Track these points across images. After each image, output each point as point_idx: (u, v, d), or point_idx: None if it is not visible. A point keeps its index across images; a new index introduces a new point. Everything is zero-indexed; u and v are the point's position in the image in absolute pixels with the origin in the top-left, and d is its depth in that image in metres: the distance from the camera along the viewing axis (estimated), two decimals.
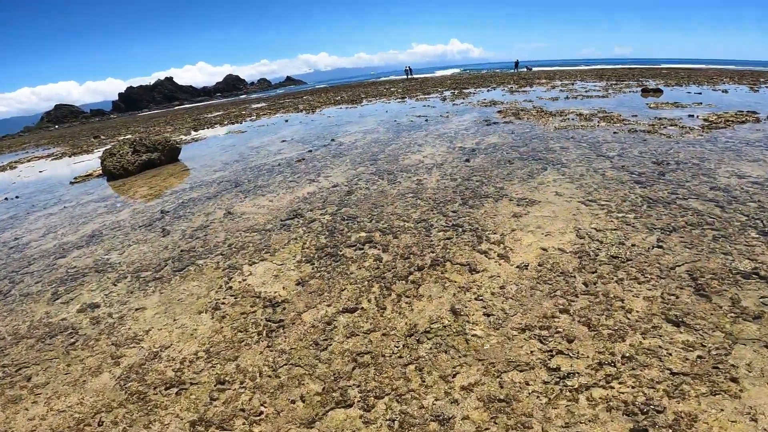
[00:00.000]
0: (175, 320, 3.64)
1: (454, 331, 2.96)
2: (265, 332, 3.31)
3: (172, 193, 7.56)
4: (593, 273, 3.47)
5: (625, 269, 3.49)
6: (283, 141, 11.09)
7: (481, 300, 3.29)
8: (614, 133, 7.85)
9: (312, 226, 5.01)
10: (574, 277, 3.45)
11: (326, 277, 3.88)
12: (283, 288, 3.85)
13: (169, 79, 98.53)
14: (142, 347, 3.33)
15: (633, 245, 3.80)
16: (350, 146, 9.15)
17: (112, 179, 9.76)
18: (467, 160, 6.79)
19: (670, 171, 5.47)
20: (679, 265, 3.52)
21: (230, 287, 4.00)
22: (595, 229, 4.10)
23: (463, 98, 16.60)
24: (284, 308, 3.57)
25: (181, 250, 4.91)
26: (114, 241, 5.62)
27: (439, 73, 49.13)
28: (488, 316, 3.12)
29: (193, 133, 17.43)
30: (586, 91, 15.53)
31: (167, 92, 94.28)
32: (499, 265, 3.70)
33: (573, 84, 19.15)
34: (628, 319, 2.91)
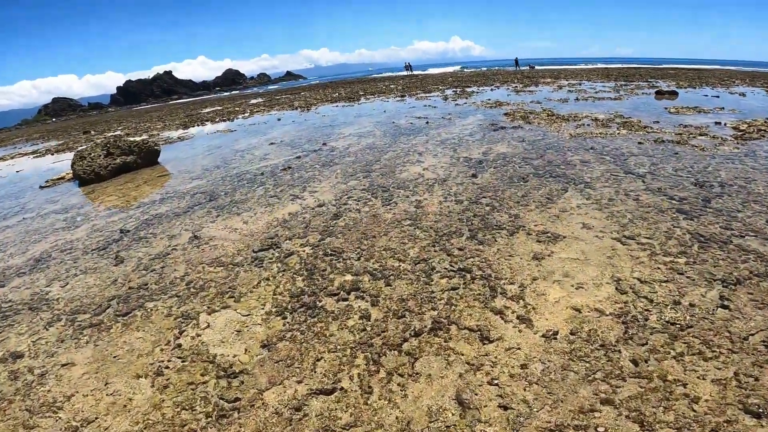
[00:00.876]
0: (106, 384, 2.81)
1: None
2: (215, 415, 2.46)
3: (139, 205, 6.65)
4: (643, 345, 2.62)
5: (685, 340, 2.64)
6: (272, 143, 10.16)
7: (496, 385, 2.44)
8: (639, 143, 6.94)
9: (289, 262, 4.13)
10: (619, 351, 2.60)
11: (299, 340, 3.01)
12: (245, 351, 2.98)
13: (168, 73, 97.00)
14: (59, 418, 2.58)
15: (691, 304, 2.94)
16: (343, 152, 8.24)
17: (84, 184, 8.85)
18: (474, 176, 5.89)
19: (715, 196, 4.58)
20: (753, 334, 2.67)
21: (180, 344, 3.13)
22: (639, 279, 3.22)
23: (466, 98, 15.65)
24: (243, 382, 2.71)
25: (131, 287, 4.03)
26: (60, 268, 4.74)
27: (439, 70, 47.96)
28: (505, 409, 2.27)
29: (181, 131, 16.47)
30: (595, 92, 14.59)
31: (166, 86, 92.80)
32: (520, 331, 2.82)
33: (580, 84, 18.19)
34: (695, 411, 2.12)
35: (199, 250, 4.62)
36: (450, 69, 49.80)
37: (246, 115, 18.90)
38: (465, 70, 44.15)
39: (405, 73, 42.20)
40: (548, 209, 4.60)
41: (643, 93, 13.97)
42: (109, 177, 9.03)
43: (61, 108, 78.89)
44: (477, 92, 17.39)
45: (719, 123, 8.29)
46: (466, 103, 13.95)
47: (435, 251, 3.91)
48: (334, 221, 4.95)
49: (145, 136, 16.00)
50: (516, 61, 39.59)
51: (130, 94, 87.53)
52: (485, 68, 48.68)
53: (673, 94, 13.38)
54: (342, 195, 5.78)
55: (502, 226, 4.27)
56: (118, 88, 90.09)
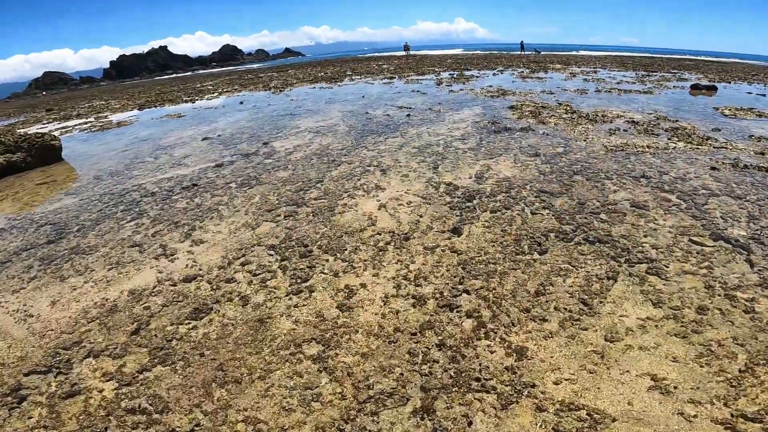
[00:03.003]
0: None
1: None
2: None
3: None
4: None
5: None
6: (205, 139, 7.62)
7: None
8: (711, 169, 4.48)
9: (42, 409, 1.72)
10: None
11: None
12: None
13: (164, 48, 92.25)
14: None
15: None
16: (281, 160, 5.75)
17: None
18: (456, 231, 3.44)
19: None
20: None
21: None
22: None
23: (464, 83, 12.96)
24: None
25: None
26: None
27: (441, 52, 44.38)
28: None
29: (136, 111, 13.85)
30: (617, 83, 11.93)
31: (161, 61, 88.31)
32: None
33: (596, 72, 15.43)
34: None
35: None
36: (452, 51, 46.17)
37: (214, 95, 16.18)
38: (467, 52, 40.68)
39: (403, 53, 38.79)
40: (582, 334, 2.20)
41: (674, 87, 11.33)
42: None
43: (52, 81, 74.82)
44: (477, 77, 14.65)
45: None
46: (462, 89, 11.30)
47: None
48: (190, 324, 2.57)
49: (78, 121, 13.42)
50: (521, 44, 36.24)
51: (123, 68, 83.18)
52: (488, 52, 44.88)
53: (711, 89, 10.79)
54: (235, 257, 3.37)
55: (489, 386, 1.88)
56: (111, 62, 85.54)
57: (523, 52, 33.01)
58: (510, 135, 6.09)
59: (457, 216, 3.64)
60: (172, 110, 12.74)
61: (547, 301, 2.58)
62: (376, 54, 46.88)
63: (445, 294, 2.72)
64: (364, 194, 4.25)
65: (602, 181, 4.24)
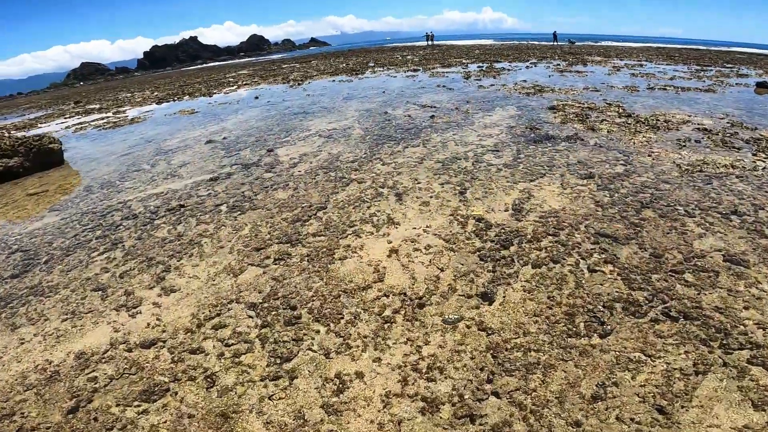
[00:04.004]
0: None
1: None
2: None
3: None
4: None
5: None
6: (209, 142, 6.95)
7: None
8: None
9: None
10: None
11: None
12: None
13: (194, 39, 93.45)
14: None
15: None
16: (283, 174, 4.96)
17: None
18: (487, 297, 2.56)
19: None
20: None
21: None
22: None
23: (494, 76, 11.80)
24: None
25: None
26: None
27: (468, 42, 42.34)
28: None
29: (154, 105, 13.48)
30: (670, 78, 10.49)
31: (191, 51, 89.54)
32: None
33: (642, 65, 13.86)
34: None
35: None
36: (479, 42, 43.97)
37: (233, 88, 15.61)
38: (497, 42, 38.50)
39: (426, 43, 37.02)
40: None
41: (736, 84, 9.81)
42: None
43: (89, 72, 77.17)
44: (509, 70, 13.39)
45: None
46: (493, 85, 10.18)
47: None
48: (139, 408, 2.04)
49: (96, 116, 13.15)
50: (554, 35, 33.95)
51: (156, 58, 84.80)
52: (517, 42, 42.34)
53: None
54: (208, 316, 2.63)
55: None
56: (145, 53, 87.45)
57: (556, 43, 30.94)
58: (554, 146, 5.07)
59: (489, 272, 2.75)
60: (188, 105, 12.21)
61: (607, 409, 1.73)
62: (402, 44, 45.33)
63: (466, 397, 1.90)
64: (373, 230, 3.40)
65: (681, 218, 3.23)
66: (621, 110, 6.61)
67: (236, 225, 3.76)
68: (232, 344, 2.40)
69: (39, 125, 13.13)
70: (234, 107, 10.64)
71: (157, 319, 2.69)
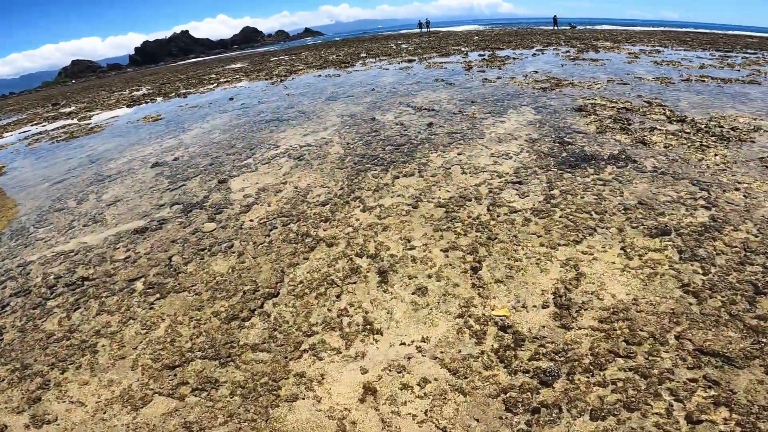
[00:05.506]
0: None
1: None
2: None
3: None
4: None
5: None
6: (156, 165, 5.56)
7: None
8: None
9: None
10: None
11: None
12: None
13: (185, 33, 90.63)
14: None
15: None
16: (230, 226, 3.61)
17: None
18: None
19: None
20: None
21: None
22: None
23: (499, 66, 10.28)
24: None
25: None
26: None
27: (465, 28, 40.11)
28: None
29: (124, 109, 12.07)
30: (700, 67, 8.97)
31: (183, 45, 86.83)
32: None
33: (659, 51, 12.29)
34: None
35: None
36: (476, 27, 41.73)
37: (212, 86, 14.08)
38: (496, 27, 36.33)
39: (420, 30, 34.93)
40: None
41: None
42: None
43: (80, 70, 74.73)
44: (514, 58, 11.82)
45: None
46: (500, 77, 8.69)
47: None
48: None
49: (61, 123, 11.74)
50: (554, 19, 31.99)
51: (147, 54, 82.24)
52: (515, 27, 39.90)
53: None
54: None
55: None
56: (136, 48, 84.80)
57: (556, 27, 29.08)
58: (597, 172, 3.68)
59: None
60: (156, 110, 10.73)
61: None
62: (393, 33, 43.09)
63: None
64: (341, 345, 2.07)
65: None
66: (668, 112, 5.18)
67: (150, 319, 2.43)
68: None
69: (3, 135, 11.74)
70: (203, 112, 9.18)
71: None
